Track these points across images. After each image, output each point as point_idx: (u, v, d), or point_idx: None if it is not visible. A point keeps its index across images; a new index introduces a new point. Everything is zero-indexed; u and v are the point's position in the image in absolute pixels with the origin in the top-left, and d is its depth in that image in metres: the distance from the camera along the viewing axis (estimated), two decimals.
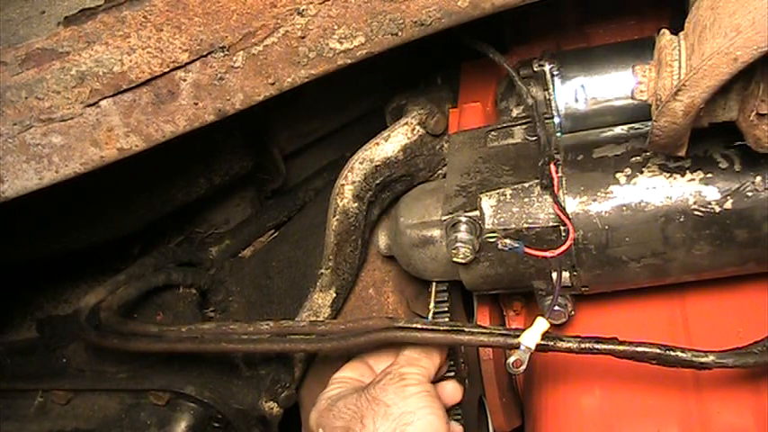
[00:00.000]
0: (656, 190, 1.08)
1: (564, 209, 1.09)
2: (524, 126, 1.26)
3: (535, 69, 1.25)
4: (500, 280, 1.19)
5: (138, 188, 1.48)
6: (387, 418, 1.04)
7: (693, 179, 1.07)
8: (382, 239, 1.36)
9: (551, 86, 1.24)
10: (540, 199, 1.13)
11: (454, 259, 1.15)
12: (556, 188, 1.11)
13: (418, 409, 1.05)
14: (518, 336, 1.06)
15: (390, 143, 1.27)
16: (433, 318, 1.27)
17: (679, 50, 0.89)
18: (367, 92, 1.64)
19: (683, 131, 0.92)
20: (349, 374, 1.18)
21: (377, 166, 1.27)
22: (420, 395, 1.07)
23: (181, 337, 1.28)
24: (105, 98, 1.06)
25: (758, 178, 1.05)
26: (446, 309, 1.28)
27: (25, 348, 1.59)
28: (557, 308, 1.19)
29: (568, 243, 1.07)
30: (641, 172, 1.10)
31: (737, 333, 1.15)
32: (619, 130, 1.20)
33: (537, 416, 1.27)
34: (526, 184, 1.15)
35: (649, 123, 0.94)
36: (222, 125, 1.10)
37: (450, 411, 1.21)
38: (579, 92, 1.23)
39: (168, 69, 1.04)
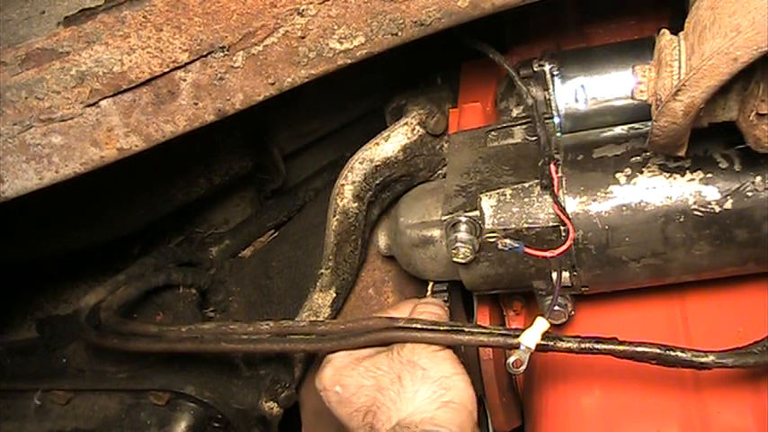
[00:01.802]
0: (656, 190, 1.08)
1: (564, 209, 1.09)
2: (524, 126, 1.26)
3: (535, 69, 1.25)
4: (500, 280, 1.19)
5: (138, 188, 1.48)
6: (426, 381, 1.05)
7: (693, 179, 1.07)
8: (382, 239, 1.36)
9: (551, 86, 1.24)
10: (540, 199, 1.13)
11: (454, 259, 1.15)
12: (556, 188, 1.11)
13: (453, 374, 1.06)
14: (518, 336, 1.06)
15: (390, 143, 1.27)
16: None
17: (679, 50, 0.89)
18: (367, 92, 1.64)
19: (683, 131, 0.92)
20: None
21: (377, 166, 1.27)
22: (451, 361, 1.08)
23: (181, 337, 1.28)
24: (105, 98, 1.06)
25: (758, 178, 1.05)
26: None
27: (25, 348, 1.59)
28: (557, 308, 1.19)
29: (568, 243, 1.07)
30: (641, 172, 1.10)
31: (737, 333, 1.15)
32: (619, 130, 1.20)
33: (537, 416, 1.27)
34: (526, 184, 1.15)
35: (649, 123, 0.94)
36: (222, 125, 1.10)
37: None
38: (579, 92, 1.23)
39: (168, 69, 1.04)
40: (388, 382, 1.07)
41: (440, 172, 1.34)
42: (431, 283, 1.32)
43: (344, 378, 1.11)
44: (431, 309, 1.18)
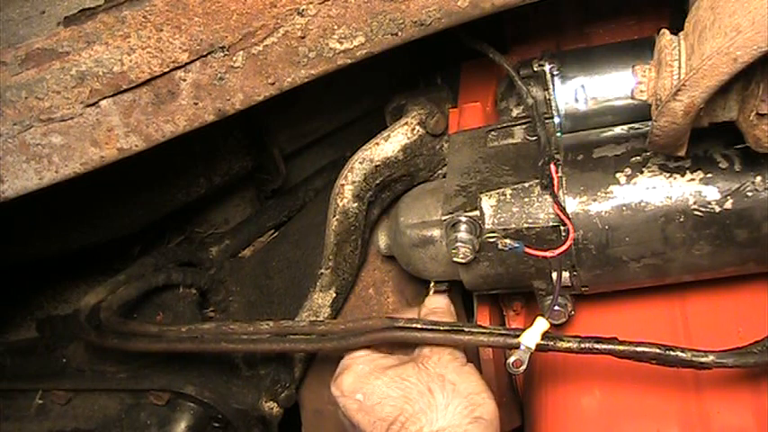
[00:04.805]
0: (656, 190, 1.08)
1: (564, 209, 1.09)
2: (524, 126, 1.25)
3: (535, 69, 1.25)
4: (500, 280, 1.19)
5: (138, 188, 1.48)
6: (456, 395, 1.05)
7: (693, 179, 1.07)
8: (382, 239, 1.36)
9: (551, 86, 1.24)
10: (540, 199, 1.13)
11: (454, 259, 1.15)
12: (556, 188, 1.11)
13: (482, 391, 1.07)
14: (518, 336, 1.06)
15: (390, 143, 1.27)
16: None
17: (679, 50, 0.89)
18: (367, 92, 1.64)
19: (682, 131, 0.92)
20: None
21: (377, 166, 1.27)
22: (477, 376, 1.09)
23: (181, 337, 1.28)
24: (105, 98, 1.06)
25: (758, 178, 1.05)
26: None
27: (25, 348, 1.59)
28: (557, 308, 1.19)
29: (568, 243, 1.07)
30: (641, 172, 1.10)
31: (737, 333, 1.15)
32: (619, 130, 1.20)
33: (537, 416, 1.27)
34: (526, 184, 1.15)
35: (649, 123, 0.94)
36: (222, 125, 1.10)
37: None
38: (579, 92, 1.23)
39: (168, 69, 1.04)
40: (417, 393, 1.06)
41: (440, 172, 1.34)
42: (432, 283, 1.32)
43: (367, 386, 1.10)
44: (438, 303, 1.19)
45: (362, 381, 1.11)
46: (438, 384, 1.06)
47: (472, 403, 1.04)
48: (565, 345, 1.06)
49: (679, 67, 0.88)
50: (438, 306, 1.22)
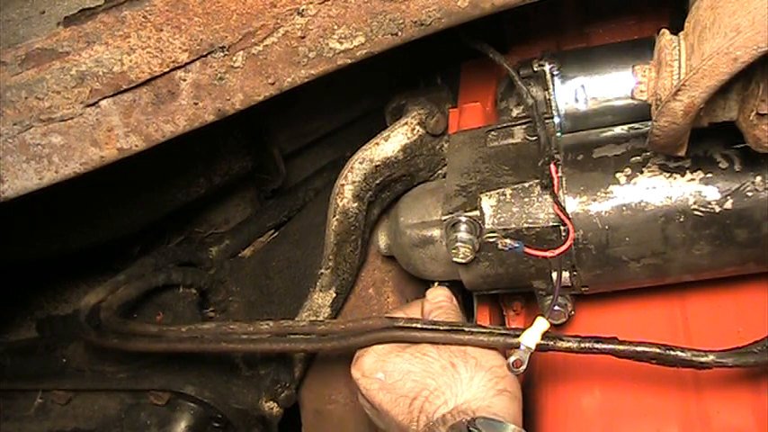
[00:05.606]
0: (656, 190, 1.08)
1: (564, 209, 1.09)
2: (524, 126, 1.26)
3: (535, 69, 1.25)
4: (500, 280, 1.20)
5: (138, 188, 1.48)
6: (480, 369, 1.05)
7: (693, 179, 1.07)
8: (382, 239, 1.36)
9: (551, 86, 1.24)
10: (540, 199, 1.13)
11: (454, 259, 1.15)
12: (556, 188, 1.11)
13: (503, 364, 1.07)
14: (518, 336, 1.06)
15: (390, 143, 1.27)
16: None
17: (679, 50, 0.89)
18: (367, 92, 1.64)
19: (682, 131, 0.92)
20: None
21: (377, 166, 1.27)
22: (496, 352, 1.09)
23: (181, 337, 1.28)
24: (105, 98, 1.06)
25: (758, 178, 1.05)
26: None
27: (25, 348, 1.59)
28: (557, 308, 1.19)
29: (568, 243, 1.08)
30: (641, 172, 1.10)
31: (737, 333, 1.15)
32: (619, 130, 1.20)
33: (537, 416, 1.27)
34: (526, 184, 1.15)
35: (649, 123, 0.94)
36: (222, 125, 1.10)
37: None
38: (579, 92, 1.23)
39: (168, 69, 1.04)
40: (440, 368, 1.06)
41: (440, 172, 1.34)
42: (436, 283, 1.32)
43: (387, 364, 1.10)
44: (440, 296, 1.19)
45: (383, 359, 1.11)
46: (460, 359, 1.06)
47: (496, 376, 1.05)
48: (565, 345, 1.06)
49: (679, 67, 0.88)
50: (441, 299, 1.22)
